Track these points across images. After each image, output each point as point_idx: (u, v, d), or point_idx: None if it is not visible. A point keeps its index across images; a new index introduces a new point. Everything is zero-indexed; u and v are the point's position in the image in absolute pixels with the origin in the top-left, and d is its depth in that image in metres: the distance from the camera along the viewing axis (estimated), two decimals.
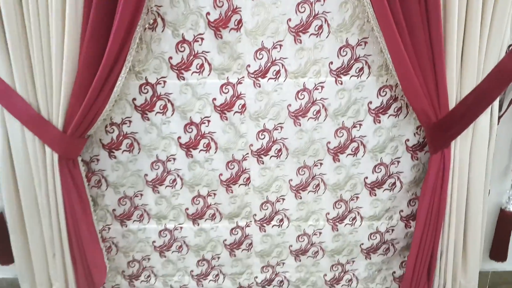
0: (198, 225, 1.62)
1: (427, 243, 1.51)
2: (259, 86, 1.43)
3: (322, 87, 1.43)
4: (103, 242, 1.62)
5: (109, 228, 1.62)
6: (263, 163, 1.53)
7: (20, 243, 1.56)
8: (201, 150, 1.51)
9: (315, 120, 1.46)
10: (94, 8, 1.22)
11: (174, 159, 1.52)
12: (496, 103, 1.38)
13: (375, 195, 1.57)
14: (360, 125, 1.47)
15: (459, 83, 1.35)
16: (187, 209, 1.59)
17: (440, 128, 1.38)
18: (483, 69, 1.34)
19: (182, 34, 1.36)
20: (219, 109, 1.45)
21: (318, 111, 1.46)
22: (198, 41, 1.37)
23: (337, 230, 1.62)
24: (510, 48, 1.34)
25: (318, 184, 1.56)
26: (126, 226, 1.62)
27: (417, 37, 1.27)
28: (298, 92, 1.43)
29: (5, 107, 1.38)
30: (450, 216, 1.48)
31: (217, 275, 1.70)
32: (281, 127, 1.47)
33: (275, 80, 1.42)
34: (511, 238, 1.61)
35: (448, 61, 1.30)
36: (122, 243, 1.64)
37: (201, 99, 1.44)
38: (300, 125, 1.47)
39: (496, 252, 1.64)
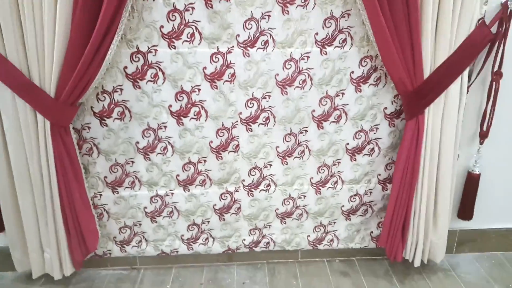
0: (189, 191, 1.72)
1: (401, 204, 1.67)
2: (248, 56, 1.52)
3: (308, 57, 1.53)
4: (95, 209, 1.70)
5: (100, 195, 1.69)
6: (251, 130, 1.63)
7: (11, 211, 1.62)
8: (191, 118, 1.59)
9: (301, 89, 1.57)
10: None
11: (165, 127, 1.60)
12: (465, 73, 1.53)
13: (355, 160, 1.71)
14: (343, 94, 1.59)
15: (433, 54, 1.48)
16: (178, 175, 1.68)
17: (416, 96, 1.52)
18: (455, 42, 1.47)
19: (173, 3, 1.42)
20: (209, 77, 1.53)
21: (304, 81, 1.56)
22: (189, 10, 1.44)
23: (320, 194, 1.77)
24: (479, 22, 1.49)
25: (303, 151, 1.69)
26: (118, 193, 1.70)
27: (396, 11, 1.39)
28: (285, 62, 1.53)
29: None
30: (422, 178, 1.64)
31: (207, 238, 1.82)
32: (269, 96, 1.57)
33: (263, 50, 1.51)
34: (476, 199, 1.81)
35: (424, 34, 1.43)
36: (114, 210, 1.72)
37: (192, 67, 1.51)
38: (287, 94, 1.58)
39: (463, 212, 1.83)
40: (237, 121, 1.61)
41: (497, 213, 1.89)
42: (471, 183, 1.77)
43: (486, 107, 1.65)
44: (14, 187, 1.57)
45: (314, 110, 1.62)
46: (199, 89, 1.55)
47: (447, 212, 1.70)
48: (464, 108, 1.60)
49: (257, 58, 1.53)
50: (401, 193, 1.66)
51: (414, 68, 1.48)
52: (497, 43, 1.54)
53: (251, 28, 1.49)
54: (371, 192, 1.78)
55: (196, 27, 1.46)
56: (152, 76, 1.52)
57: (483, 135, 1.69)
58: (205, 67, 1.52)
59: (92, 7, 1.32)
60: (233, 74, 1.54)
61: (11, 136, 1.49)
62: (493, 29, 1.51)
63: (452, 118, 1.57)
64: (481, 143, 1.71)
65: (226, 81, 1.55)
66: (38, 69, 1.41)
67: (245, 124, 1.62)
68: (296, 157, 1.69)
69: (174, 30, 1.46)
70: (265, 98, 1.58)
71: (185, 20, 1.45)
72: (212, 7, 1.44)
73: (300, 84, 1.57)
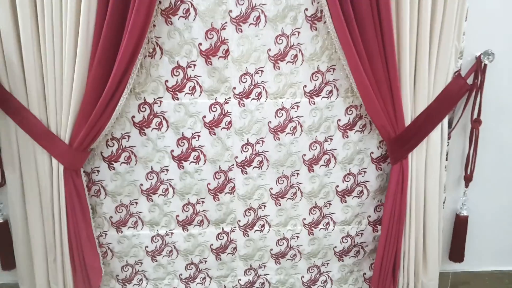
0: (188, 230, 1.85)
1: (391, 246, 1.77)
2: (244, 106, 1.70)
3: (298, 106, 1.71)
4: (100, 248, 1.83)
5: (105, 234, 1.83)
6: (246, 173, 1.78)
7: (22, 248, 1.77)
8: (191, 162, 1.76)
9: (292, 135, 1.74)
10: (102, 37, 1.49)
11: (167, 170, 1.76)
12: (445, 121, 1.68)
13: (346, 202, 1.84)
14: (331, 139, 1.75)
15: (413, 104, 1.65)
16: (177, 216, 1.82)
17: (398, 142, 1.67)
18: (433, 92, 1.64)
19: (177, 61, 1.63)
20: (208, 125, 1.72)
21: (295, 127, 1.73)
22: (191, 66, 1.64)
23: (313, 234, 1.87)
24: (455, 74, 1.66)
25: (296, 192, 1.82)
26: (122, 232, 1.84)
27: (375, 65, 1.57)
28: (277, 110, 1.71)
29: (18, 124, 1.61)
30: (410, 220, 1.75)
31: (204, 278, 1.92)
32: (263, 141, 1.74)
33: (257, 101, 1.70)
34: (467, 241, 1.89)
35: (403, 85, 1.60)
36: (117, 248, 1.85)
37: (193, 116, 1.70)
38: (279, 140, 1.74)
39: (454, 254, 1.90)
40: (233, 165, 1.77)
41: (489, 255, 1.96)
42: (459, 225, 1.86)
43: (469, 152, 1.78)
44: (27, 226, 1.73)
45: (304, 155, 1.77)
46: (198, 136, 1.73)
47: (437, 253, 1.78)
48: (446, 153, 1.73)
49: (252, 107, 1.71)
50: (390, 234, 1.76)
51: (396, 117, 1.64)
52: (473, 93, 1.71)
53: (246, 81, 1.68)
54: (362, 233, 1.88)
55: (197, 81, 1.67)
56: (157, 124, 1.71)
57: (468, 179, 1.81)
58: (204, 116, 1.71)
59: (106, 64, 1.53)
60: (230, 122, 1.72)
61: (27, 177, 1.67)
62: (470, 81, 1.69)
63: (434, 163, 1.70)
64: (466, 186, 1.82)
65: (223, 128, 1.73)
66: (56, 119, 1.61)
67: (241, 167, 1.78)
68: (288, 198, 1.82)
69: (178, 84, 1.66)
70: (259, 143, 1.74)
71: (187, 75, 1.65)
72: (211, 64, 1.64)
73: (291, 131, 1.73)
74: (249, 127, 1.73)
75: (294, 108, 1.71)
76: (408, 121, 1.65)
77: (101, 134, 1.63)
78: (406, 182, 1.70)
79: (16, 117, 1.62)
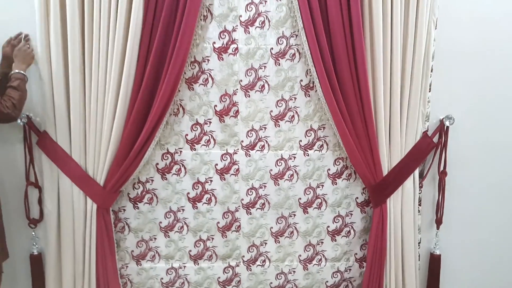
0: (198, 264, 2.17)
1: (374, 280, 2.11)
2: (249, 156, 2.11)
3: (295, 157, 2.11)
4: (121, 278, 2.14)
5: (126, 266, 2.16)
6: (251, 213, 2.15)
7: (54, 277, 2.08)
8: (204, 203, 2.13)
9: (289, 181, 2.13)
10: (138, 100, 1.92)
11: (183, 209, 2.13)
12: (416, 172, 2.09)
13: (336, 240, 2.19)
14: (322, 185, 2.14)
15: (389, 157, 2.06)
16: (190, 251, 2.16)
17: (378, 189, 2.07)
18: (405, 148, 2.06)
19: (196, 119, 2.06)
20: (219, 172, 2.11)
21: (292, 175, 2.13)
22: (207, 123, 2.07)
23: (307, 270, 2.21)
24: (423, 134, 2.08)
25: (292, 231, 2.18)
26: (141, 265, 2.16)
27: (357, 125, 2.00)
28: (277, 160, 2.11)
29: (60, 168, 2.00)
30: (390, 257, 2.11)
31: None
32: (265, 186, 2.13)
33: (261, 152, 2.11)
34: (442, 277, 2.22)
35: (380, 142, 2.03)
36: (136, 280, 2.17)
37: (207, 164, 2.10)
38: (279, 185, 2.13)
39: None
40: (239, 206, 2.14)
41: None
42: (433, 263, 2.22)
43: (438, 199, 2.17)
44: (60, 256, 2.05)
45: (300, 198, 2.15)
46: (211, 180, 2.12)
47: (414, 286, 2.11)
48: (420, 200, 2.13)
49: (256, 157, 2.11)
50: (374, 270, 2.11)
51: (375, 167, 2.05)
52: (439, 149, 2.13)
53: (252, 136, 2.10)
54: (350, 269, 2.21)
55: (211, 135, 2.08)
56: (176, 171, 2.10)
57: (438, 222, 2.18)
58: (216, 164, 2.10)
59: (139, 122, 1.95)
60: (238, 169, 2.11)
61: (64, 214, 2.02)
62: (436, 139, 2.11)
63: (409, 208, 2.09)
64: (437, 228, 2.20)
65: (232, 174, 2.11)
66: (93, 165, 2.00)
67: (246, 208, 2.15)
68: (286, 236, 2.18)
69: (196, 137, 2.08)
70: (262, 188, 2.13)
71: (204, 130, 2.07)
72: (224, 122, 2.07)
73: (289, 178, 2.13)
74: (253, 174, 2.12)
75: (291, 159, 2.11)
76: (385, 171, 2.06)
77: (130, 178, 2.01)
78: (385, 223, 2.08)
79: (60, 163, 2.00)
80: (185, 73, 1.98)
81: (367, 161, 2.04)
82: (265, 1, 1.96)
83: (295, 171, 2.13)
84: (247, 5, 1.96)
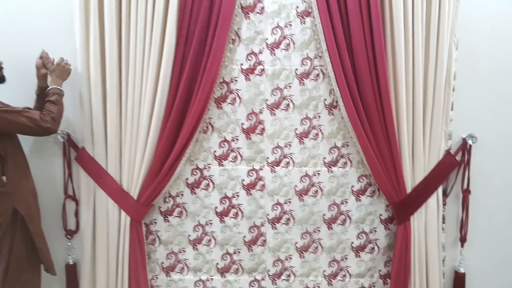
0: (225, 277, 2.26)
1: None
2: (275, 172, 2.20)
3: (319, 174, 2.19)
4: None
5: (156, 278, 2.27)
6: (276, 228, 2.23)
7: (88, 287, 2.19)
8: (231, 217, 2.23)
9: (314, 197, 2.21)
10: (170, 119, 2.05)
11: (211, 223, 2.23)
12: (440, 190, 2.13)
13: (360, 257, 2.24)
14: (347, 202, 2.21)
15: (412, 175, 2.12)
16: (217, 264, 2.25)
17: (402, 207, 2.12)
18: (428, 166, 2.12)
19: (224, 136, 2.17)
20: (246, 187, 2.20)
21: (316, 191, 2.21)
22: (234, 140, 2.18)
23: (332, 285, 2.26)
24: (446, 152, 2.13)
25: (317, 247, 2.25)
26: (170, 277, 2.26)
27: (380, 143, 2.08)
28: (302, 177, 2.20)
29: (97, 183, 2.14)
30: (414, 276, 2.14)
31: None
32: (290, 202, 2.21)
33: (286, 168, 2.20)
34: None
35: (403, 160, 2.09)
36: None
37: (234, 180, 2.20)
38: (303, 201, 2.21)
39: None
40: (265, 221, 2.23)
41: None
42: (458, 281, 2.24)
43: (462, 217, 2.20)
44: (94, 265, 2.17)
45: (324, 214, 2.22)
46: (238, 195, 2.21)
47: None
48: (443, 217, 2.17)
49: (281, 173, 2.20)
50: (398, 286, 2.14)
51: (399, 185, 2.11)
52: (462, 168, 2.17)
53: (277, 153, 2.19)
54: (374, 286, 2.25)
55: (239, 152, 2.19)
56: (205, 186, 2.21)
57: (463, 240, 2.21)
58: (243, 180, 2.21)
59: (171, 139, 2.08)
60: (263, 185, 2.21)
61: (99, 226, 2.16)
62: (459, 157, 2.16)
63: (433, 225, 2.14)
64: (462, 246, 2.22)
65: (258, 189, 2.21)
66: (128, 180, 2.13)
67: (271, 223, 2.23)
68: (311, 252, 2.24)
69: (223, 153, 2.19)
70: (287, 203, 2.21)
71: (231, 147, 2.18)
72: (250, 139, 2.18)
73: (313, 194, 2.21)
74: (278, 189, 2.21)
75: (315, 175, 2.20)
76: (409, 189, 2.11)
77: (162, 192, 2.13)
78: (409, 241, 2.12)
79: (96, 177, 2.15)
80: (214, 93, 2.11)
81: (390, 178, 2.10)
82: (290, 25, 2.08)
83: (320, 187, 2.21)
84: (273, 28, 2.09)
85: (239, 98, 2.15)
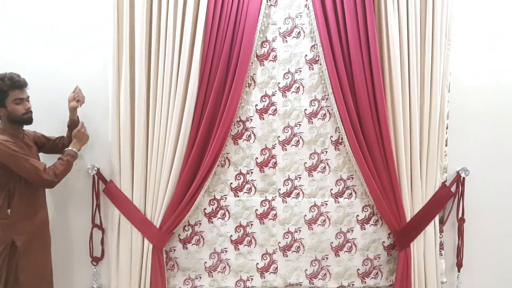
0: None
1: None
2: (286, 202, 2.47)
3: (326, 204, 2.47)
4: None
5: None
6: (287, 256, 2.48)
7: None
8: (245, 245, 2.48)
9: (322, 226, 2.47)
10: (192, 155, 2.33)
11: (226, 251, 2.48)
12: (437, 219, 2.41)
13: (365, 282, 2.49)
14: (352, 230, 2.48)
15: (411, 205, 2.40)
16: None
17: (402, 234, 2.39)
18: (425, 197, 2.40)
19: (240, 169, 2.46)
20: (259, 216, 2.47)
21: (324, 220, 2.47)
22: (249, 173, 2.46)
23: None
24: (441, 184, 2.41)
25: (325, 274, 2.49)
26: None
27: (382, 177, 2.37)
28: (311, 207, 2.47)
29: (122, 213, 2.39)
30: None
31: None
32: (300, 230, 2.47)
33: (296, 199, 2.48)
34: None
35: (403, 191, 2.38)
36: None
37: (248, 209, 2.47)
38: (312, 229, 2.48)
39: None
40: (276, 249, 2.48)
41: None
42: None
43: (458, 243, 2.47)
44: None
45: (332, 242, 2.48)
46: (252, 224, 2.48)
47: None
48: (442, 244, 2.43)
49: (292, 204, 2.48)
50: None
51: (399, 214, 2.38)
52: (457, 198, 2.45)
53: (288, 184, 2.47)
54: None
55: (253, 184, 2.47)
56: (221, 215, 2.47)
57: (459, 264, 2.47)
58: (256, 209, 2.47)
59: (192, 172, 2.36)
60: (275, 215, 2.47)
61: (122, 253, 2.39)
62: (453, 189, 2.44)
63: (431, 251, 2.40)
64: (458, 271, 2.48)
65: (270, 219, 2.47)
66: (151, 209, 2.39)
67: (282, 251, 2.48)
68: (320, 278, 2.48)
69: (239, 185, 2.47)
70: (297, 232, 2.47)
71: (246, 179, 2.46)
72: (264, 172, 2.46)
73: (321, 223, 2.47)
74: (289, 218, 2.48)
75: (323, 205, 2.47)
76: (408, 217, 2.39)
77: (182, 221, 2.39)
78: (410, 265, 2.38)
79: (122, 208, 2.40)
80: (231, 130, 2.41)
81: (391, 208, 2.38)
82: (300, 71, 2.41)
83: (327, 217, 2.47)
84: (284, 74, 2.42)
85: (254, 135, 2.45)
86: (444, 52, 2.37)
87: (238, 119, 2.43)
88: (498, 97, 2.51)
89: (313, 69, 2.41)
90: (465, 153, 2.49)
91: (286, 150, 2.46)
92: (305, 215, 2.48)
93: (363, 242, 2.49)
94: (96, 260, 2.47)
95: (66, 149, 2.26)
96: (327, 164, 2.47)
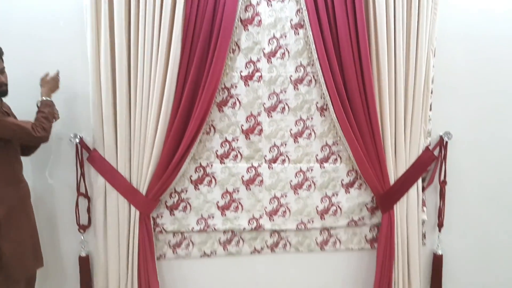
0: (227, 250, 2.57)
1: (385, 277, 2.49)
2: (272, 169, 2.52)
3: (312, 169, 2.52)
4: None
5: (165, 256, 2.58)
6: (273, 220, 2.55)
7: (101, 277, 2.49)
8: (231, 211, 2.54)
9: (308, 191, 2.54)
10: (176, 121, 2.33)
11: (213, 217, 2.54)
12: (419, 181, 2.49)
13: (352, 249, 2.62)
14: (337, 194, 2.56)
15: (395, 169, 2.47)
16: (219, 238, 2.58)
17: (386, 197, 2.47)
18: (409, 160, 2.47)
19: (225, 137, 2.47)
20: (245, 183, 2.52)
21: (310, 185, 2.54)
22: (235, 140, 2.48)
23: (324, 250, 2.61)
24: (425, 148, 2.48)
25: (310, 243, 2.60)
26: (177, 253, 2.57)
27: (367, 142, 2.41)
28: (296, 172, 2.52)
29: (108, 181, 2.41)
30: (397, 256, 2.51)
31: None
32: (286, 196, 2.54)
33: (282, 165, 2.53)
34: (445, 275, 2.61)
35: (387, 155, 2.44)
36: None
37: (234, 176, 2.51)
38: (298, 194, 2.54)
39: (434, 286, 2.63)
40: (263, 213, 2.55)
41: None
42: (436, 262, 2.63)
43: (440, 205, 2.58)
44: (107, 258, 2.46)
45: (317, 206, 2.56)
46: (238, 191, 2.53)
47: (418, 282, 2.52)
48: (421, 205, 2.52)
49: (278, 170, 2.53)
50: (384, 268, 2.50)
51: (383, 178, 2.46)
52: (439, 162, 2.52)
53: (274, 151, 2.51)
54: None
55: (238, 151, 2.49)
56: (208, 182, 2.51)
57: (440, 225, 2.59)
58: (243, 176, 2.52)
59: (177, 139, 2.37)
60: (262, 181, 2.53)
61: (110, 220, 2.44)
62: (437, 153, 2.52)
63: (413, 213, 2.50)
64: (439, 231, 2.60)
65: (256, 185, 2.52)
66: (137, 177, 2.41)
67: (269, 216, 2.55)
68: (307, 244, 2.60)
69: (225, 152, 2.50)
70: (283, 197, 2.54)
71: (232, 147, 2.49)
72: (250, 139, 2.48)
73: (307, 188, 2.53)
74: (275, 184, 2.53)
75: (309, 171, 2.53)
76: (392, 181, 2.46)
77: (168, 188, 2.42)
78: (393, 228, 2.48)
79: (107, 176, 2.42)
80: (216, 97, 2.40)
81: (376, 173, 2.45)
82: (285, 36, 2.39)
83: (313, 181, 2.54)
84: (269, 39, 2.40)
85: (239, 102, 2.45)
86: (431, 16, 2.38)
87: (223, 86, 2.42)
88: (482, 63, 2.54)
89: (298, 34, 2.40)
90: (448, 118, 2.55)
91: (271, 117, 2.48)
92: (291, 181, 2.54)
93: (347, 206, 2.56)
94: (83, 228, 2.51)
95: (41, 99, 2.22)
96: (313, 130, 2.50)
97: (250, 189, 2.54)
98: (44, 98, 2.24)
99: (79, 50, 2.35)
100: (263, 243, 2.61)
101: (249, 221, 2.56)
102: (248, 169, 2.53)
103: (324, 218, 2.58)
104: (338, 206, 2.57)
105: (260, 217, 2.57)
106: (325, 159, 2.54)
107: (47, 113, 2.20)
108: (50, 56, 2.36)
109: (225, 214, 2.56)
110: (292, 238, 2.62)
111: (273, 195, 2.55)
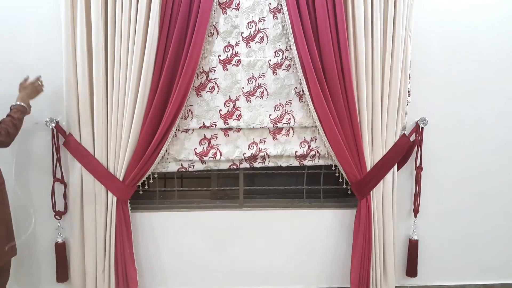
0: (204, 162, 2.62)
1: (365, 260, 2.57)
2: (250, 102, 2.52)
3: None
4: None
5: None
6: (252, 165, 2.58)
7: (77, 263, 2.51)
8: (210, 157, 2.54)
9: (286, 136, 2.57)
10: (153, 107, 2.35)
11: (193, 165, 2.56)
12: (395, 167, 2.55)
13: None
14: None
15: (371, 154, 2.54)
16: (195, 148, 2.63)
17: (363, 183, 2.54)
18: (385, 147, 2.53)
19: (203, 122, 2.49)
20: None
21: (288, 130, 2.57)
22: (213, 126, 2.50)
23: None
24: (401, 134, 2.54)
25: (290, 118, 2.57)
26: None
27: (345, 127, 2.46)
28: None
29: (84, 166, 2.42)
30: (375, 241, 2.58)
31: None
32: (265, 141, 2.57)
33: (262, 164, 2.59)
34: (420, 260, 2.70)
35: (364, 141, 2.49)
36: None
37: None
38: (277, 139, 2.57)
39: (409, 270, 2.73)
40: (242, 159, 2.58)
41: (438, 272, 2.80)
42: (411, 247, 2.71)
43: (415, 191, 2.66)
44: (83, 244, 2.48)
45: (296, 151, 2.58)
46: (216, 137, 2.55)
47: (392, 266, 2.62)
48: (396, 191, 2.59)
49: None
50: (363, 251, 2.58)
51: (360, 165, 2.52)
52: (415, 147, 2.60)
53: (253, 148, 2.55)
54: None
55: (218, 149, 2.53)
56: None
57: (416, 211, 2.67)
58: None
59: (154, 125, 2.38)
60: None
61: (87, 206, 2.45)
62: (412, 139, 2.59)
63: (388, 198, 2.59)
64: (415, 217, 2.68)
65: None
66: (114, 162, 2.43)
67: (248, 162, 2.59)
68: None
69: (203, 150, 2.53)
70: (262, 142, 2.57)
71: (211, 144, 2.53)
72: (228, 124, 2.51)
73: (285, 133, 2.57)
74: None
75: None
76: (368, 167, 2.53)
77: (146, 173, 2.45)
78: (370, 212, 2.55)
79: (83, 161, 2.42)
80: (194, 81, 2.42)
81: (353, 159, 2.51)
82: (264, 20, 2.42)
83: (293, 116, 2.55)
84: (248, 23, 2.42)
85: (217, 86, 2.47)
86: (408, 1, 2.43)
87: (201, 70, 2.44)
88: (457, 49, 2.60)
89: (277, 19, 2.42)
90: (424, 104, 2.61)
91: (250, 102, 2.51)
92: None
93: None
94: (59, 214, 2.51)
95: (15, 104, 2.19)
96: (292, 115, 2.53)
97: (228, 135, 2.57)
98: (18, 103, 2.20)
99: (53, 31, 2.34)
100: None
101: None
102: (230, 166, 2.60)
103: (303, 164, 2.64)
104: (317, 151, 2.60)
105: (240, 162, 2.59)
106: (304, 156, 2.60)
107: (16, 119, 2.15)
108: (27, 39, 2.36)
109: (205, 161, 2.56)
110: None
111: (252, 141, 2.57)
